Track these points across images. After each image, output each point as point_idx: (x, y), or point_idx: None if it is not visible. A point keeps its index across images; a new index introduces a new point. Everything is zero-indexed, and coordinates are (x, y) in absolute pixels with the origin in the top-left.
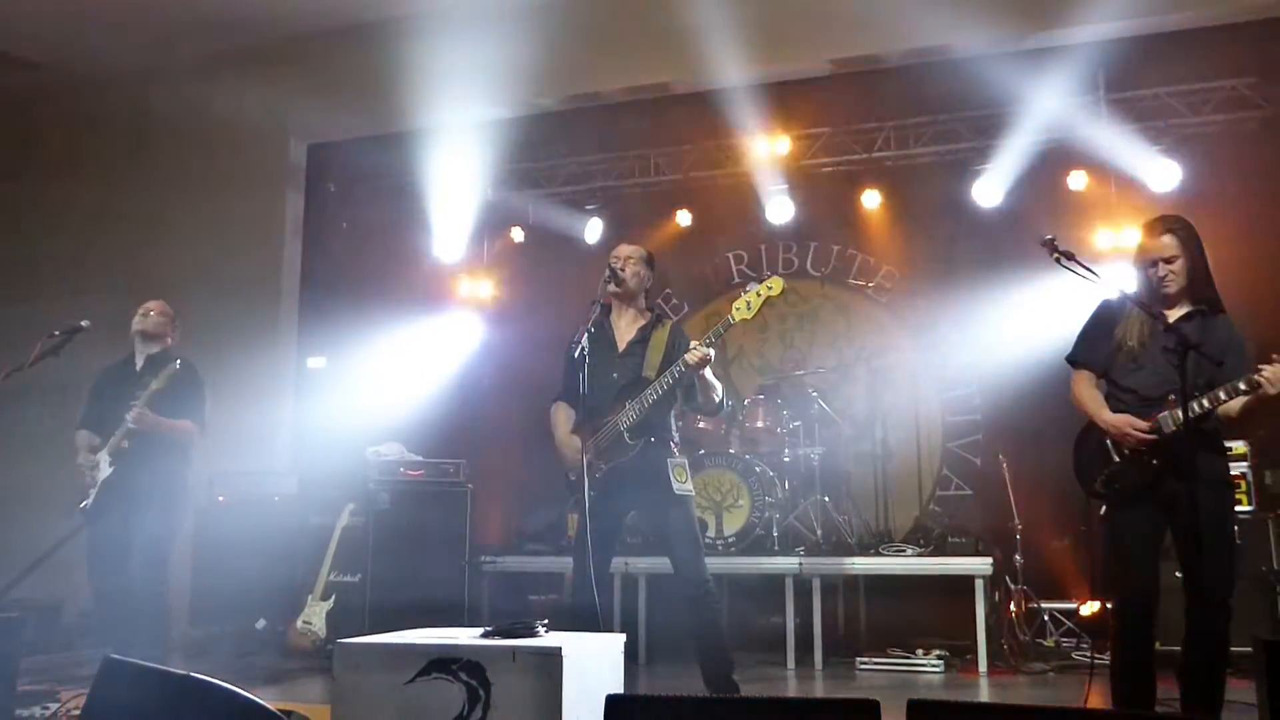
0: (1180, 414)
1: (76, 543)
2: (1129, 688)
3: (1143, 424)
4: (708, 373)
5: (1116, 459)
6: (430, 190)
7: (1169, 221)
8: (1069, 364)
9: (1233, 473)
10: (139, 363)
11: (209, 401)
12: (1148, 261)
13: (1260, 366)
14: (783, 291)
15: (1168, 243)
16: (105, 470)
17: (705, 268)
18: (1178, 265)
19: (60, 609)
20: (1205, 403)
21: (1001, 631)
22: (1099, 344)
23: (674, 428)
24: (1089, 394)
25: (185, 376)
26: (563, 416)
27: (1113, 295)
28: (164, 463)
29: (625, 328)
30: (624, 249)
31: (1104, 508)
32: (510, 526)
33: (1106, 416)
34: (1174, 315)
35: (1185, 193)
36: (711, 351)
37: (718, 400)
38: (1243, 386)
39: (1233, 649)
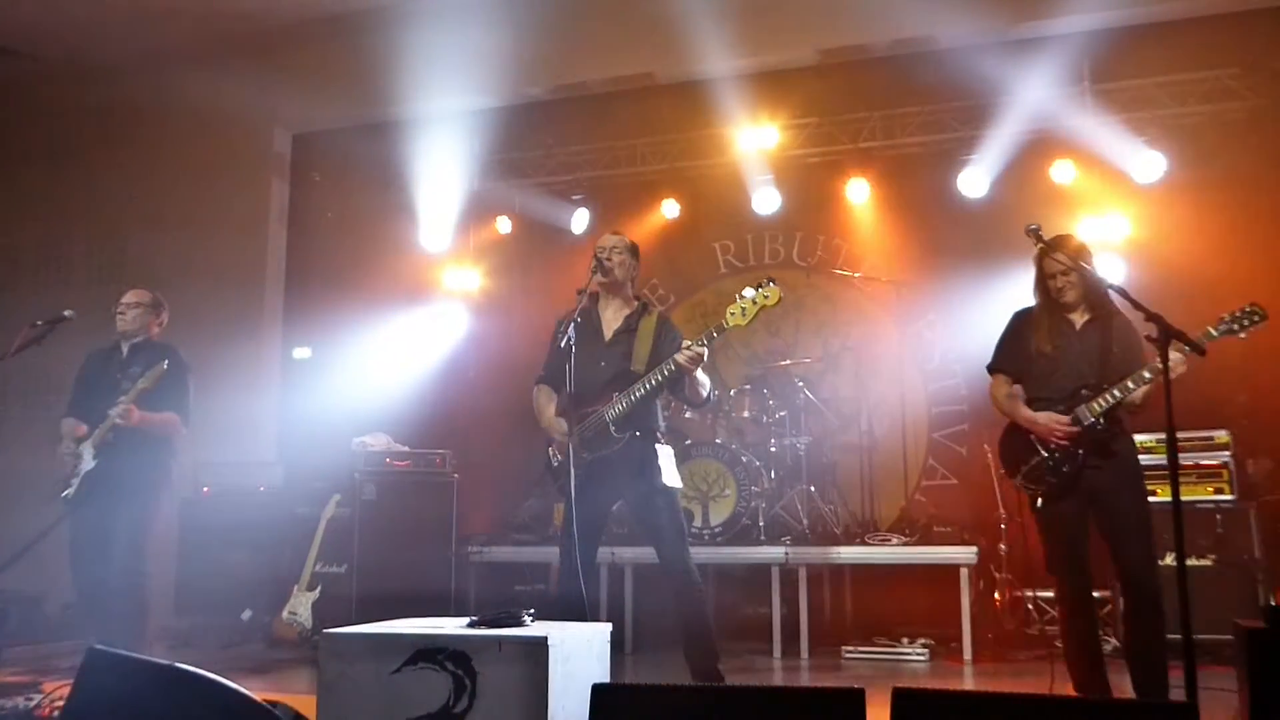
0: (1098, 405)
1: (59, 534)
2: (1085, 672)
3: (1065, 419)
4: (698, 370)
5: (1044, 453)
6: (416, 180)
7: (1060, 241)
8: (988, 371)
9: (1218, 462)
10: (125, 350)
11: (193, 392)
12: (1047, 275)
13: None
14: (779, 302)
15: (1060, 257)
16: (89, 462)
17: (692, 257)
18: (1073, 276)
19: (42, 600)
20: (1117, 392)
21: (986, 620)
22: (1014, 353)
23: (661, 418)
24: (1007, 395)
25: (171, 369)
26: (545, 398)
27: (1023, 308)
28: (147, 454)
29: (611, 317)
30: (609, 239)
31: (1038, 500)
32: (496, 516)
33: (1029, 415)
34: (1080, 321)
35: (1170, 183)
36: (705, 351)
37: (705, 395)
38: (1147, 374)
39: (1213, 636)
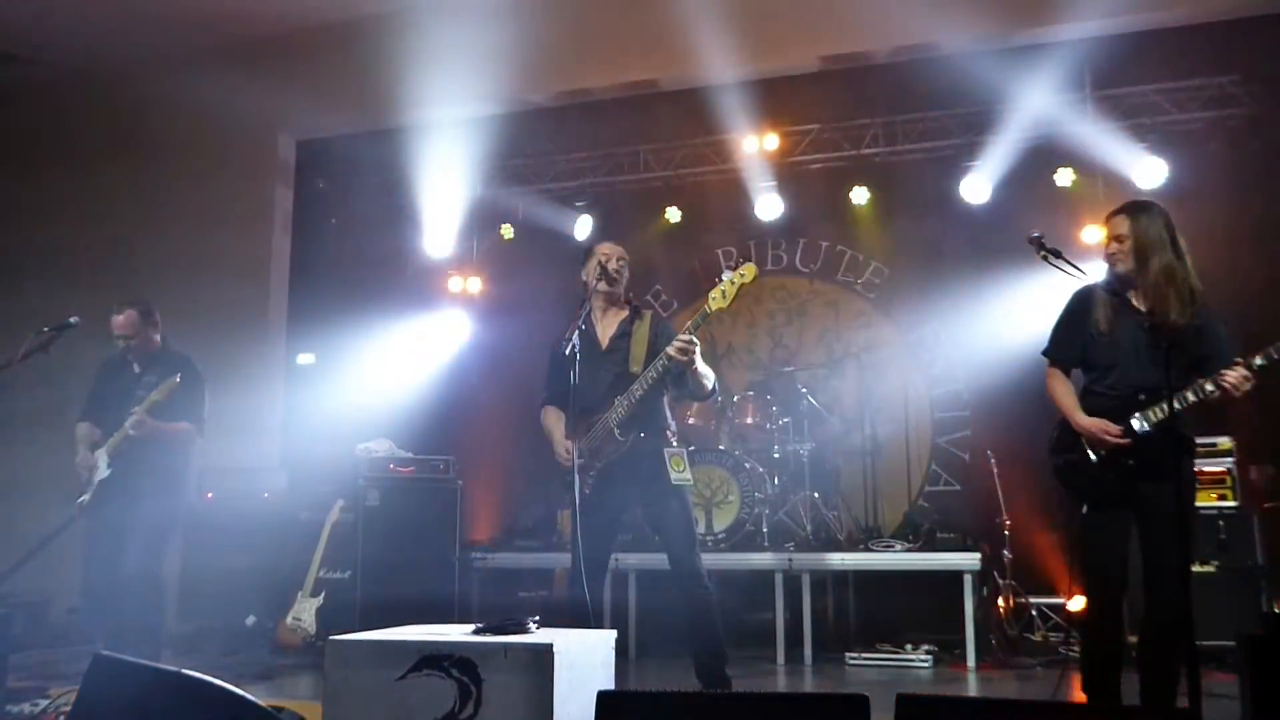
0: (1154, 414)
1: (67, 539)
2: (1098, 678)
3: (1115, 429)
4: (698, 362)
5: (1093, 459)
6: (419, 186)
7: (1126, 204)
8: (1044, 357)
9: (1221, 469)
10: (136, 366)
11: (208, 401)
12: (1105, 242)
13: (1224, 371)
14: (756, 277)
15: (1117, 222)
16: (103, 471)
17: (694, 264)
18: (1127, 245)
19: (49, 605)
20: (1176, 403)
21: (990, 626)
22: (1071, 337)
23: (669, 417)
24: (1062, 391)
25: (186, 379)
26: (554, 420)
27: (1084, 285)
28: (163, 461)
29: (607, 324)
30: (611, 248)
31: (1085, 507)
32: (500, 522)
33: (1081, 420)
34: (1145, 307)
35: (1171, 189)
36: (694, 339)
37: (709, 387)
38: (1209, 387)
39: (1216, 643)
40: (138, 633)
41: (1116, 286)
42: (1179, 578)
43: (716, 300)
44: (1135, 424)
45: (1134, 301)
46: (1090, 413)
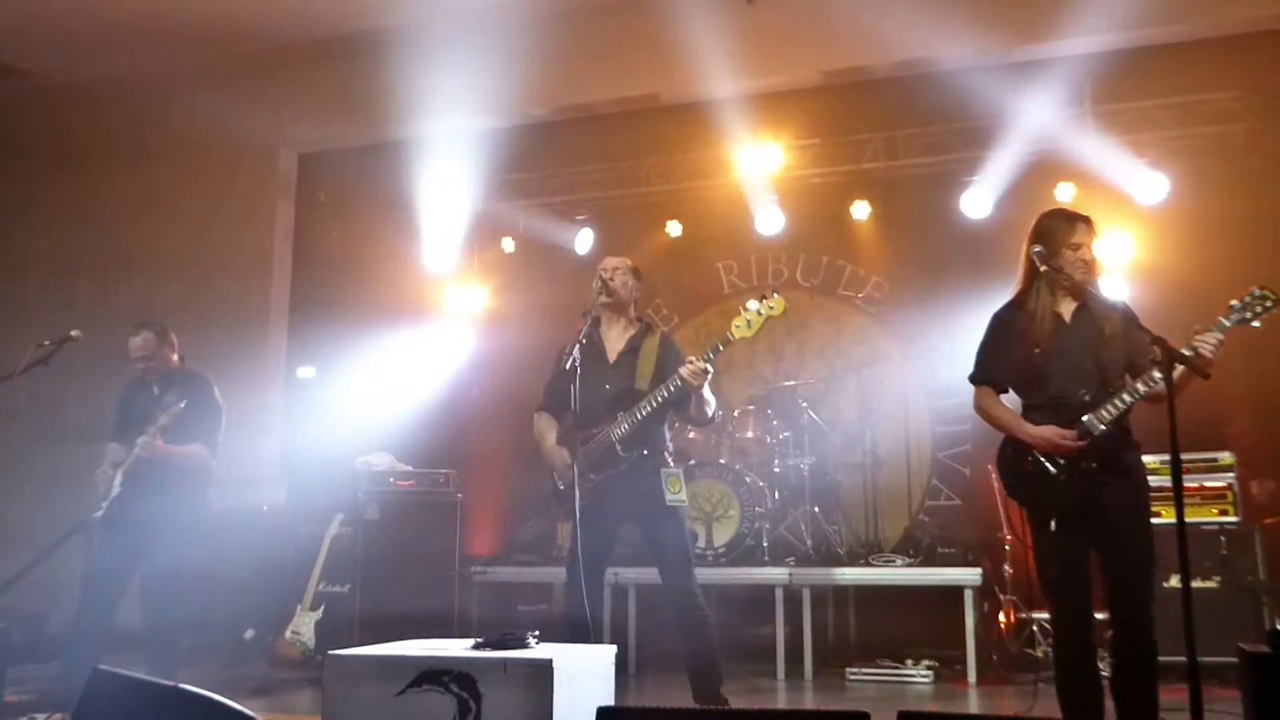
0: (1106, 412)
1: (67, 553)
2: (1074, 699)
3: (1069, 433)
4: (705, 389)
5: (1053, 470)
6: (421, 200)
7: (1085, 215)
8: (970, 382)
9: (1222, 484)
10: (155, 387)
11: (224, 425)
12: (1072, 245)
13: (1196, 340)
14: (784, 311)
15: (1089, 230)
16: (116, 489)
17: (695, 278)
18: (1090, 257)
19: (46, 619)
20: (1127, 397)
21: (990, 642)
22: (999, 358)
23: (667, 439)
24: (1000, 408)
25: (197, 401)
26: (546, 425)
27: (1002, 307)
28: (174, 482)
29: (615, 338)
30: (610, 260)
31: (1051, 524)
32: (500, 537)
33: (1031, 431)
34: (1068, 312)
35: (1171, 204)
36: (709, 366)
37: (711, 413)
38: (1158, 376)
39: (1217, 659)
40: (152, 645)
41: (1047, 301)
42: (1147, 592)
43: (741, 329)
44: (1089, 424)
45: (1064, 314)
46: (1038, 424)
